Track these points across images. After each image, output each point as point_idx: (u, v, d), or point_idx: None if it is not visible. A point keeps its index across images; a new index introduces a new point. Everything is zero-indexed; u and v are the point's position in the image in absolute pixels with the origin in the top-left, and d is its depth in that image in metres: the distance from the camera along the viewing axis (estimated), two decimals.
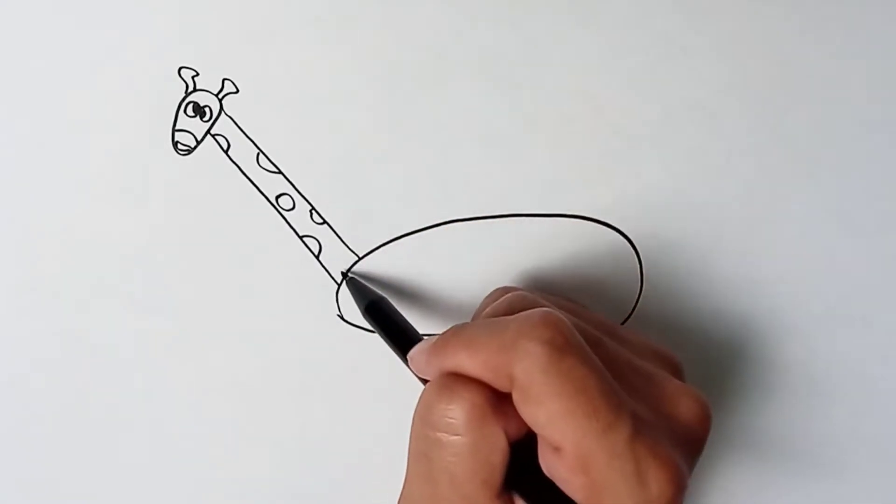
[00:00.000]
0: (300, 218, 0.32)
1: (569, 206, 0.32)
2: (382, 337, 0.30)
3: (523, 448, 0.25)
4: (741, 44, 0.32)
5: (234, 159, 0.32)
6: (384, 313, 0.30)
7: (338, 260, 0.33)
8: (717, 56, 0.32)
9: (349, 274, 0.32)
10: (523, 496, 0.25)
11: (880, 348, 0.34)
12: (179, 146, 0.32)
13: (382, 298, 0.31)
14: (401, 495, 0.27)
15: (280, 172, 0.32)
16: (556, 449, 0.23)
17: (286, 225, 0.32)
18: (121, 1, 0.31)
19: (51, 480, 0.34)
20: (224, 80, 0.31)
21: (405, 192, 0.32)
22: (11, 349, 0.33)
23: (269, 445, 0.34)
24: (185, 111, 0.31)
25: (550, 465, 0.24)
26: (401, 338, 0.29)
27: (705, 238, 0.33)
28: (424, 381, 0.27)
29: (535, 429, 0.24)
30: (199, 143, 0.32)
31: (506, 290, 0.31)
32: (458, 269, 0.33)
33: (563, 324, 0.24)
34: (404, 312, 0.33)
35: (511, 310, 0.27)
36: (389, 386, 0.34)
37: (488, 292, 0.33)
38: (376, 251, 0.33)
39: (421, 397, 0.26)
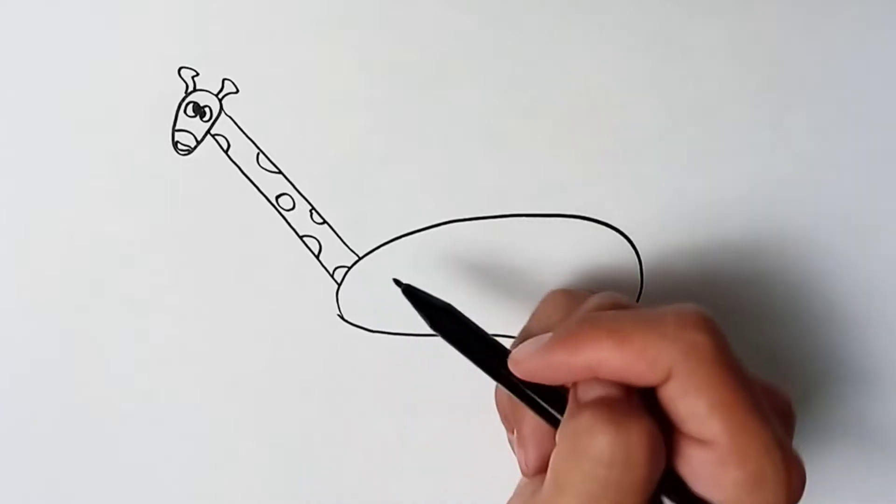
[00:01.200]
0: (300, 218, 0.32)
1: (569, 206, 0.32)
2: (457, 347, 0.27)
3: None
4: (741, 44, 0.32)
5: (234, 159, 0.32)
6: (458, 323, 0.27)
7: (338, 260, 0.33)
8: (718, 56, 0.32)
9: (404, 283, 0.29)
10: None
11: (881, 348, 0.34)
12: (179, 146, 0.32)
13: (450, 306, 0.28)
14: None
15: (280, 172, 0.32)
16: (705, 443, 0.23)
17: (286, 225, 0.32)
18: (121, 1, 0.31)
19: (51, 481, 0.34)
20: (224, 80, 0.31)
21: (405, 192, 0.32)
22: (11, 349, 0.33)
23: (268, 445, 0.34)
24: (185, 111, 0.31)
25: (695, 461, 0.23)
26: (482, 347, 0.27)
27: (705, 238, 0.33)
28: (514, 387, 0.26)
29: (689, 422, 0.23)
30: (199, 143, 0.32)
31: (566, 292, 0.30)
32: (458, 268, 0.33)
33: (714, 320, 0.24)
34: (405, 313, 0.33)
35: (617, 307, 0.26)
36: (389, 386, 0.34)
37: (487, 292, 0.33)
38: (376, 251, 0.33)
39: (583, 429, 0.23)
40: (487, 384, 0.34)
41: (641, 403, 0.24)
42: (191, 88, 0.31)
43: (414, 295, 0.28)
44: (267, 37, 0.31)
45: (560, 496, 0.24)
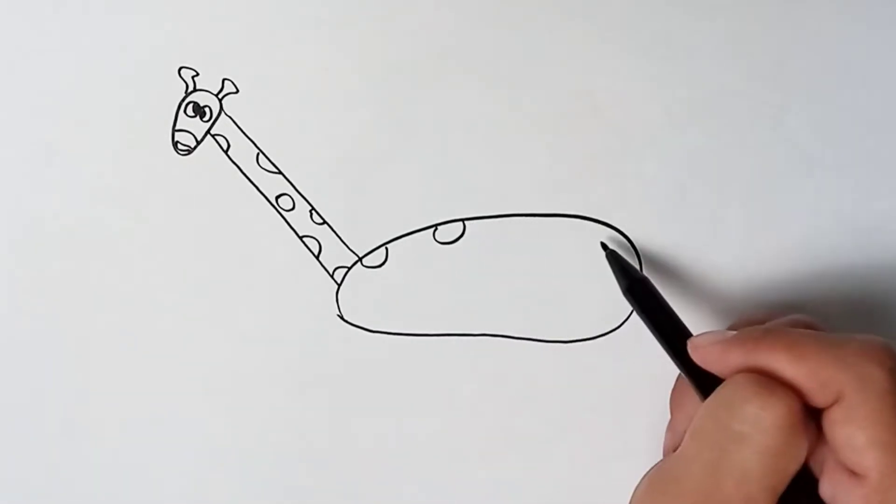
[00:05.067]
0: (300, 218, 0.32)
1: (569, 206, 0.32)
2: (644, 319, 0.30)
3: None
4: (741, 44, 0.32)
5: (234, 159, 0.32)
6: (650, 295, 0.30)
7: (338, 260, 0.33)
8: (717, 56, 0.32)
9: (610, 248, 0.32)
10: None
11: None
12: (179, 146, 0.32)
13: (647, 279, 0.30)
14: (661, 476, 0.26)
15: (280, 172, 0.32)
16: (856, 475, 0.23)
17: (286, 225, 0.32)
18: (121, 1, 0.31)
19: (50, 480, 0.34)
20: (224, 80, 0.31)
21: (405, 192, 0.32)
22: (11, 349, 0.33)
23: (268, 445, 0.34)
24: (185, 111, 0.31)
25: (840, 489, 0.24)
26: (667, 323, 0.29)
27: (705, 238, 0.33)
28: (694, 373, 0.27)
29: (844, 450, 0.24)
30: (199, 143, 0.32)
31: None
32: (458, 268, 0.33)
33: None
34: (404, 312, 0.33)
35: (809, 328, 0.28)
36: (389, 386, 0.34)
37: (488, 292, 0.33)
38: (376, 251, 0.33)
39: (730, 387, 0.25)
40: (488, 384, 0.34)
41: (801, 404, 0.24)
42: (191, 88, 0.31)
43: (617, 261, 0.31)
44: (267, 37, 0.31)
45: (691, 441, 0.25)
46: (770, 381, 0.24)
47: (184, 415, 0.34)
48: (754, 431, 0.24)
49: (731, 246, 0.33)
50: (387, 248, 0.33)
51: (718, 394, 0.25)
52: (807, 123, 0.32)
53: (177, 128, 0.31)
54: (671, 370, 0.32)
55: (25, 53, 0.31)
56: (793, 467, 0.24)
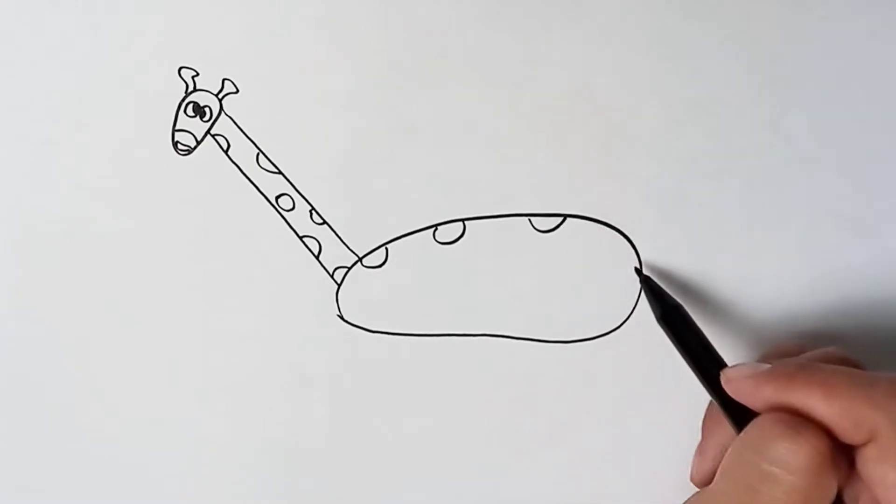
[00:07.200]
0: (300, 218, 0.32)
1: (569, 206, 0.32)
2: (677, 346, 0.30)
3: None
4: (741, 44, 0.32)
5: (234, 159, 0.32)
6: (684, 323, 0.30)
7: (338, 260, 0.33)
8: (718, 56, 0.32)
9: (645, 274, 0.32)
10: None
11: (880, 349, 0.34)
12: (179, 146, 0.32)
13: (680, 306, 0.31)
14: None
15: (280, 172, 0.32)
16: None
17: (286, 225, 0.32)
18: (121, 1, 0.31)
19: (50, 480, 0.34)
20: (224, 80, 0.31)
21: (405, 192, 0.32)
22: (11, 349, 0.33)
23: (268, 445, 0.34)
24: (185, 111, 0.31)
25: None
26: (701, 352, 0.30)
27: (705, 238, 0.33)
28: (726, 403, 0.28)
29: (878, 488, 0.24)
30: (199, 143, 0.32)
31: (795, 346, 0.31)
32: (458, 268, 0.33)
33: None
34: (404, 312, 0.33)
35: (844, 363, 0.28)
36: (389, 386, 0.34)
37: (488, 291, 0.33)
38: (376, 251, 0.33)
39: (759, 427, 0.26)
40: (488, 384, 0.34)
41: (836, 449, 0.25)
42: (191, 88, 0.31)
43: (651, 288, 0.31)
44: (267, 37, 0.31)
45: (722, 479, 0.26)
46: (798, 420, 0.25)
47: (183, 414, 0.34)
48: (783, 472, 0.24)
49: (731, 246, 0.33)
50: (387, 248, 0.33)
51: (748, 432, 0.26)
52: (807, 123, 0.32)
53: (177, 128, 0.31)
54: (671, 370, 0.32)
55: (25, 53, 0.31)
56: (819, 500, 0.25)
